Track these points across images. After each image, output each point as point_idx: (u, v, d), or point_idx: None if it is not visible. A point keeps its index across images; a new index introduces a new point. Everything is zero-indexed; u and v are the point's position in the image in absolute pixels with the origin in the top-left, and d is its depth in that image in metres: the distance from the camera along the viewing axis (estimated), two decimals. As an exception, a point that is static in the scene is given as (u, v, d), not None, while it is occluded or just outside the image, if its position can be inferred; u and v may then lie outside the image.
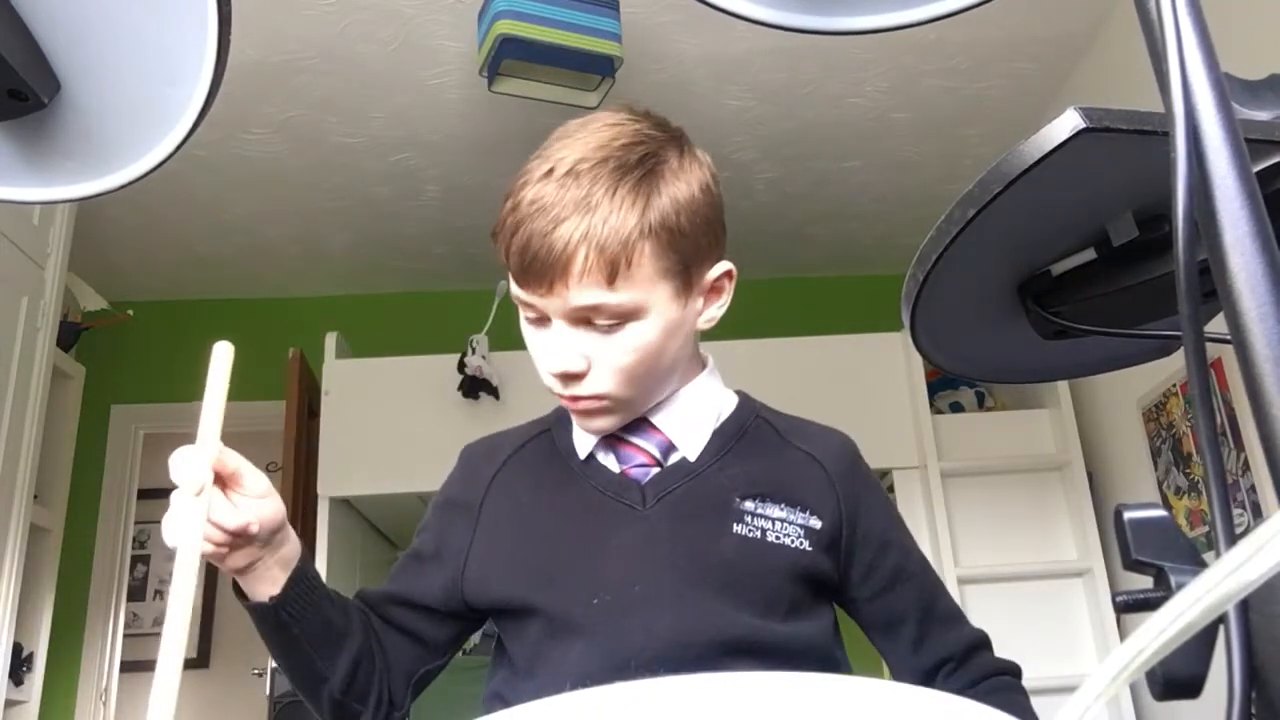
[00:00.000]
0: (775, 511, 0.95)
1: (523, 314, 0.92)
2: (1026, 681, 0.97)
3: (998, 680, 0.98)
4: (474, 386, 3.17)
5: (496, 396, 3.20)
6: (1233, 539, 0.26)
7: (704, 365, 1.03)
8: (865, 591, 0.98)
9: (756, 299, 4.20)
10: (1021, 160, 0.42)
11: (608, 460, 0.97)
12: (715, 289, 1.00)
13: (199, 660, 5.06)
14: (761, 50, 2.92)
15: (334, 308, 4.14)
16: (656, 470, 0.96)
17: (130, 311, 3.89)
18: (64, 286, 3.01)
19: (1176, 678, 0.31)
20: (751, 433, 1.01)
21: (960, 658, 0.98)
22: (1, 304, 2.65)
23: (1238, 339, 0.27)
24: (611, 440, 0.98)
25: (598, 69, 2.47)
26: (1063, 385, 3.36)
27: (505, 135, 3.24)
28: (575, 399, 0.91)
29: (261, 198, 3.51)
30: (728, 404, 1.02)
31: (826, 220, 3.85)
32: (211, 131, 3.12)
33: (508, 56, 2.37)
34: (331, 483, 3.18)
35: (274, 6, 2.64)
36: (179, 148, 0.47)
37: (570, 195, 0.85)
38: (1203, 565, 0.29)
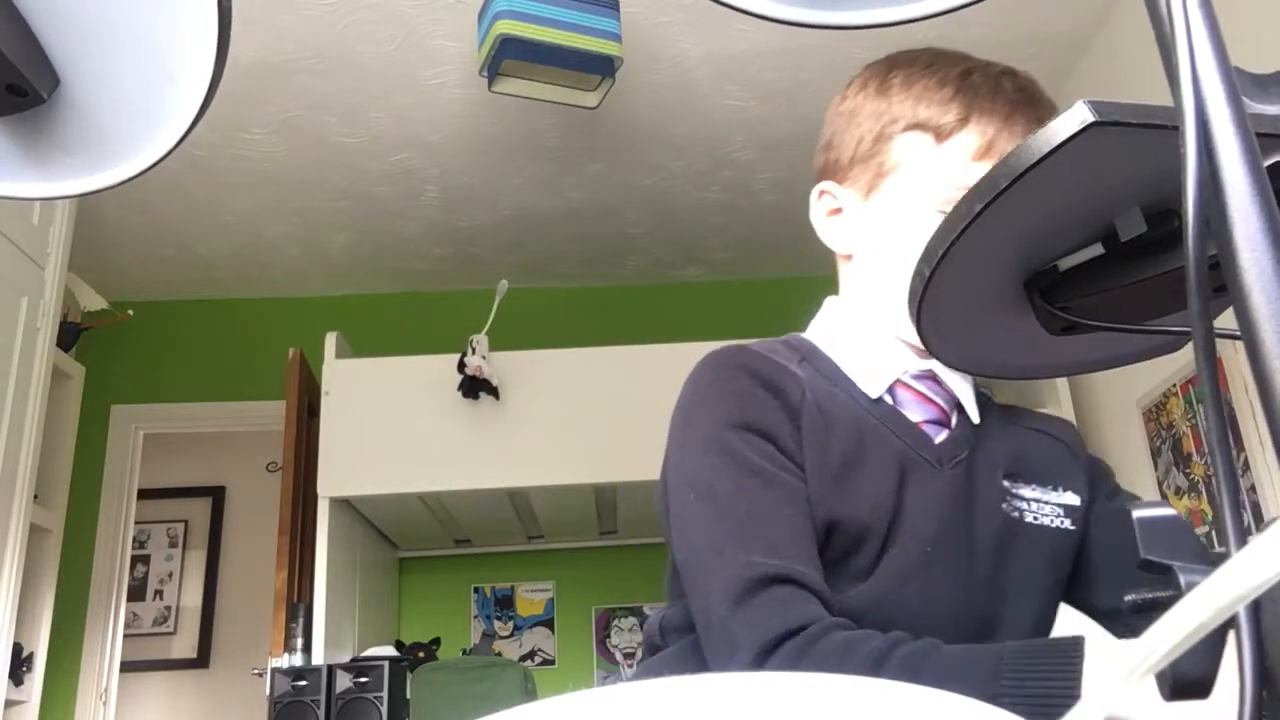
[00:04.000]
0: (1027, 491, 0.91)
1: (944, 195, 0.88)
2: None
3: None
4: (474, 386, 3.17)
5: (496, 396, 3.19)
6: (1243, 538, 0.26)
7: None
8: (1097, 550, 0.93)
9: (759, 298, 4.21)
10: (1029, 154, 0.42)
11: (903, 408, 0.91)
12: None
13: (199, 660, 5.06)
14: (762, 50, 2.92)
15: (334, 308, 4.14)
16: (946, 432, 0.91)
17: (130, 311, 3.89)
18: (64, 286, 3.01)
19: (1186, 678, 0.31)
20: (989, 404, 0.96)
21: None
22: (1, 304, 2.64)
23: (1247, 335, 0.26)
24: (902, 386, 0.91)
25: (598, 69, 2.47)
26: (1063, 385, 3.36)
27: (505, 135, 3.24)
28: None
29: (261, 198, 3.51)
30: None
31: (827, 220, 3.84)
32: (211, 131, 3.12)
33: (508, 56, 2.37)
34: (331, 483, 3.17)
35: (274, 6, 2.64)
36: (178, 144, 0.47)
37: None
38: (1213, 565, 0.29)
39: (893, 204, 0.93)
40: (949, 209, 0.87)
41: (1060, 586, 0.92)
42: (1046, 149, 0.40)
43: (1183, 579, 0.31)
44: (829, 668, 0.71)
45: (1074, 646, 0.68)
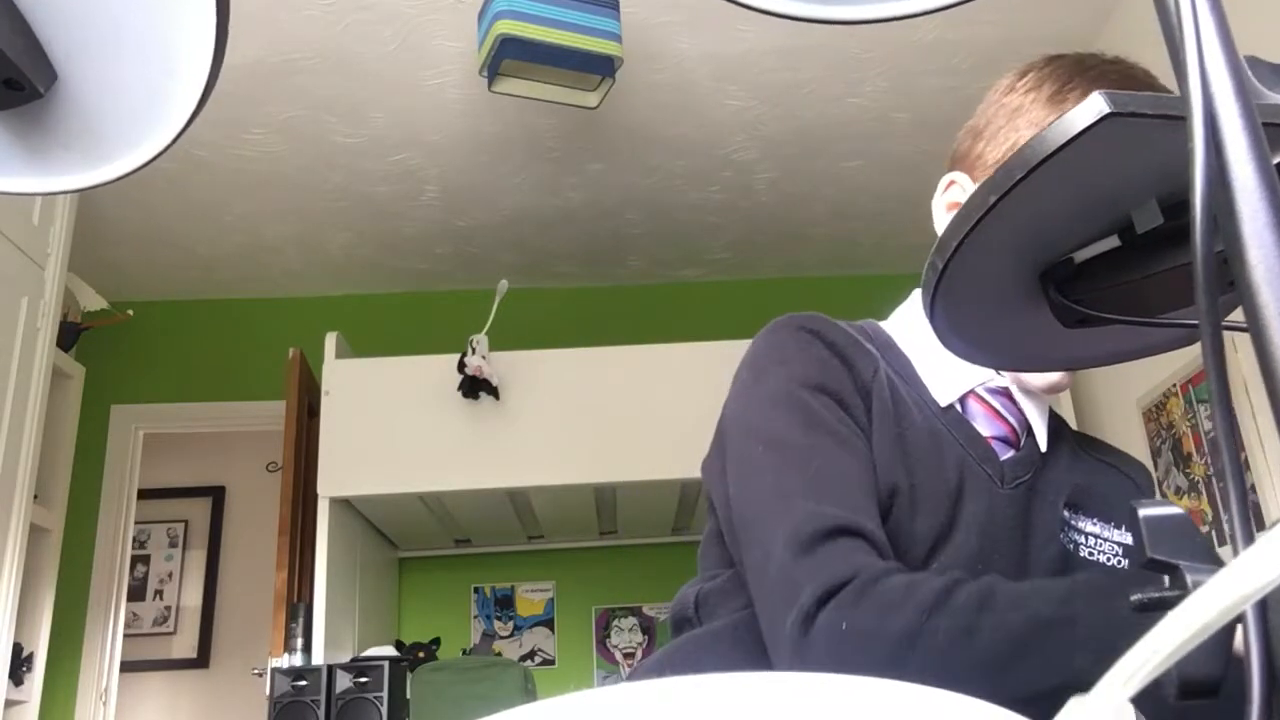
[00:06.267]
0: (1088, 526, 0.89)
1: None
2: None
3: None
4: (474, 386, 3.17)
5: (496, 396, 3.19)
6: (1250, 536, 0.26)
7: None
8: None
9: (757, 299, 4.21)
10: (1045, 146, 0.41)
11: (973, 420, 0.89)
12: None
13: (199, 660, 5.06)
14: (762, 50, 2.92)
15: (334, 308, 4.14)
16: (1013, 451, 0.88)
17: (130, 311, 3.89)
18: (64, 286, 3.00)
19: (1194, 679, 0.31)
20: (1061, 432, 0.94)
21: None
22: (1, 304, 2.64)
23: (1255, 330, 0.26)
24: (974, 399, 0.90)
25: (598, 69, 2.46)
26: (1064, 385, 3.36)
27: (505, 135, 3.24)
28: None
29: (261, 198, 3.50)
30: None
31: (826, 220, 3.85)
32: (211, 131, 3.12)
33: (508, 56, 2.37)
34: (331, 483, 3.17)
35: (274, 6, 2.64)
36: (176, 139, 0.47)
37: None
38: (1219, 564, 0.29)
39: None
40: None
41: None
42: (1062, 140, 0.40)
43: (1189, 578, 0.31)
44: (890, 609, 0.69)
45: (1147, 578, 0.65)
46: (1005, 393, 0.90)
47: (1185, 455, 2.77)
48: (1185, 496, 2.77)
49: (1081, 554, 0.88)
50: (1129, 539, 0.90)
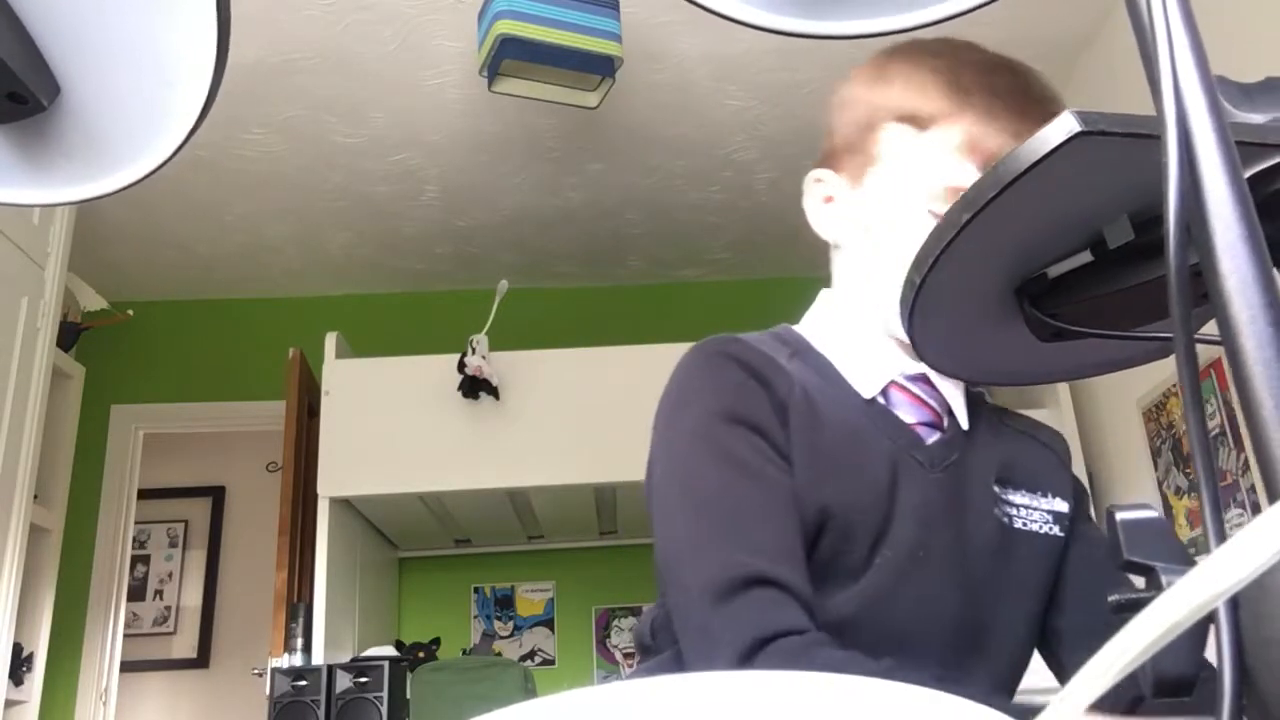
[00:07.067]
0: (1017, 497, 0.91)
1: (955, 173, 0.85)
2: (1024, 682, 0.95)
3: None
4: (474, 386, 3.17)
5: (496, 396, 3.20)
6: (1223, 538, 0.26)
7: None
8: (1070, 581, 0.92)
9: (757, 299, 4.21)
10: (1017, 164, 0.42)
11: (897, 409, 0.90)
12: None
13: (199, 660, 5.07)
14: (762, 50, 2.93)
15: (334, 308, 4.14)
16: (939, 434, 0.89)
17: (130, 311, 3.89)
18: (64, 286, 3.01)
19: (1168, 676, 0.31)
20: (981, 408, 0.95)
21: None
22: (1, 304, 2.65)
23: (1229, 342, 0.27)
24: (896, 387, 0.90)
25: (598, 69, 2.47)
26: (1062, 385, 3.36)
27: (505, 135, 3.24)
28: None
29: (261, 198, 3.51)
30: None
31: (826, 220, 3.85)
32: (211, 131, 3.12)
33: (508, 56, 2.38)
34: (331, 483, 3.18)
35: (274, 6, 2.65)
36: (178, 150, 0.48)
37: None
38: (1194, 565, 0.29)
39: (877, 195, 0.93)
40: (932, 202, 0.87)
41: (1047, 593, 0.91)
42: (1034, 158, 0.41)
43: (1165, 579, 0.32)
44: None
45: None
46: (924, 379, 0.91)
47: (1185, 455, 2.78)
48: (1186, 497, 2.78)
49: (1016, 525, 0.89)
50: (1057, 505, 0.92)
